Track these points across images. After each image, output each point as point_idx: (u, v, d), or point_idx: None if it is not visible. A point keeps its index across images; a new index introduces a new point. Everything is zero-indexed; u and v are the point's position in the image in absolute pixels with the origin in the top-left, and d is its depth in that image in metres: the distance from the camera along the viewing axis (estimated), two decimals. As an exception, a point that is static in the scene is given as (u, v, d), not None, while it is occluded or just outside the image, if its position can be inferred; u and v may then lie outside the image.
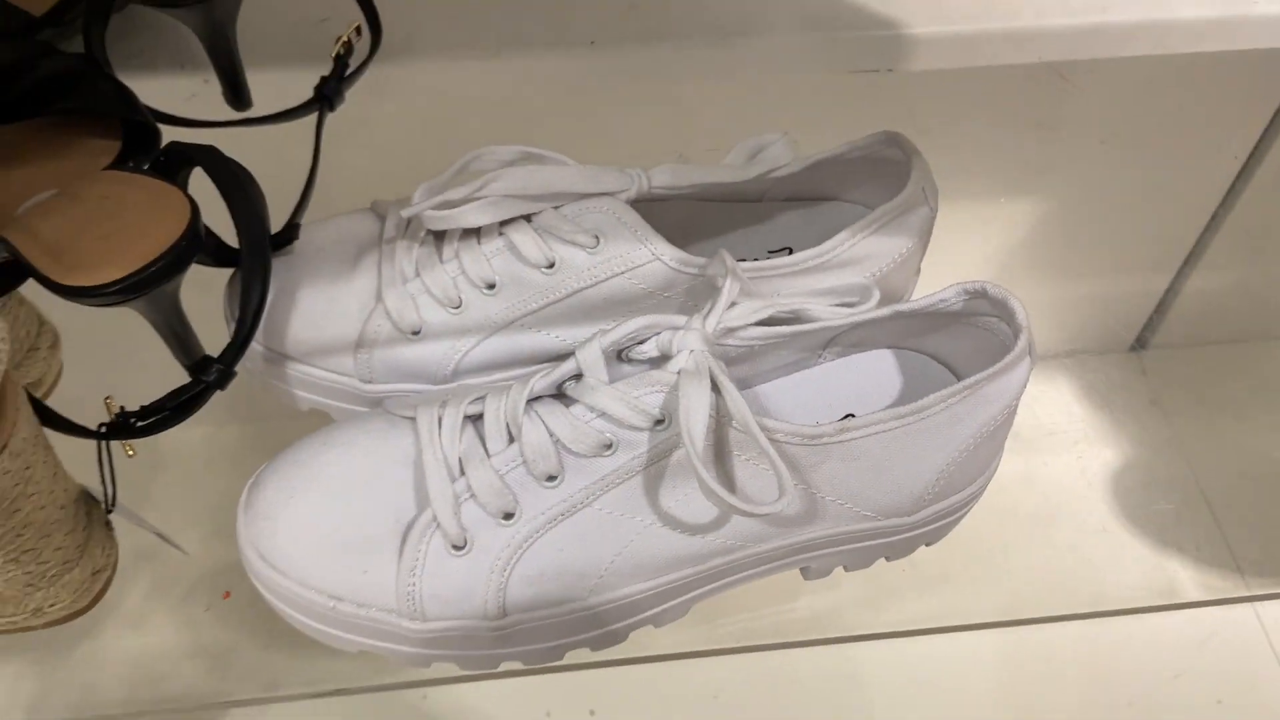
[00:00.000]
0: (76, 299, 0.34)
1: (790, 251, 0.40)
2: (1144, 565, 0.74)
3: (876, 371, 0.37)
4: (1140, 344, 0.67)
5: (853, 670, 0.73)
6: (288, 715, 0.72)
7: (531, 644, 0.34)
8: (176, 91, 0.49)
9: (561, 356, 0.35)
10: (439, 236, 0.37)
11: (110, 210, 0.36)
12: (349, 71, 0.46)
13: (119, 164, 0.40)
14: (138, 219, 0.35)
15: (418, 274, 0.36)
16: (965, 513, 0.37)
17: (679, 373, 0.31)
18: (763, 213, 0.41)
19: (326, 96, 0.45)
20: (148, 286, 0.33)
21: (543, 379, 0.32)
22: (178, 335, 0.38)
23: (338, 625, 0.33)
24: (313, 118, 0.44)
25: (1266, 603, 0.69)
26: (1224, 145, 0.63)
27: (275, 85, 0.47)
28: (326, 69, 0.45)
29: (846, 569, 0.37)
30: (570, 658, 0.36)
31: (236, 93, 0.46)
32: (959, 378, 0.36)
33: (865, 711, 0.71)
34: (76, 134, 0.41)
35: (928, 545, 0.37)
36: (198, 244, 0.34)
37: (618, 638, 0.35)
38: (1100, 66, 0.59)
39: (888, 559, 0.37)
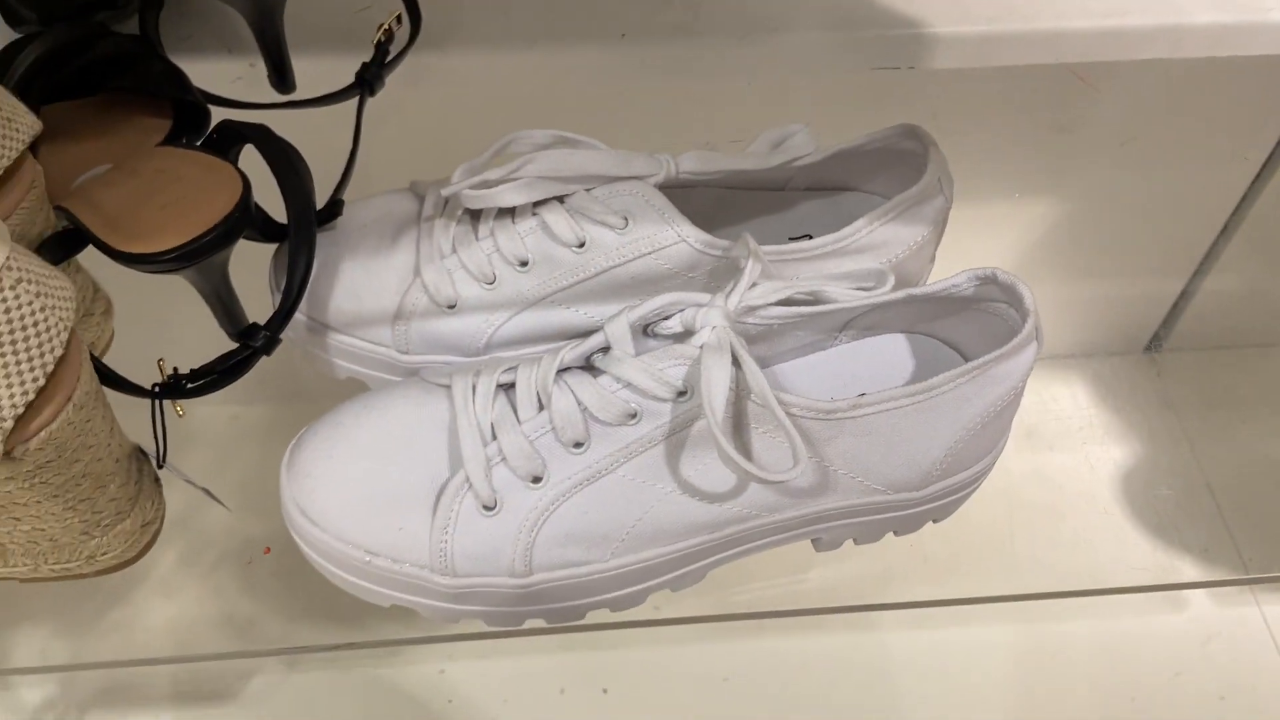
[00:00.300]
0: (134, 265, 0.36)
1: (810, 238, 0.42)
2: (1151, 561, 0.75)
3: (889, 354, 0.39)
4: (1154, 346, 0.68)
5: (859, 657, 0.75)
6: (308, 686, 0.74)
7: (555, 603, 0.36)
8: (223, 74, 0.51)
9: (589, 332, 0.37)
10: (475, 215, 0.39)
11: (166, 183, 0.38)
12: (389, 58, 0.47)
13: (171, 141, 0.42)
14: (193, 192, 0.37)
15: (454, 250, 0.38)
16: (972, 490, 0.38)
17: (701, 347, 0.33)
18: (784, 201, 0.43)
19: (367, 82, 0.46)
20: (202, 255, 0.35)
21: (572, 351, 0.34)
22: (224, 304, 0.40)
23: (372, 579, 0.35)
24: (353, 102, 0.46)
25: (1270, 604, 0.71)
26: (1240, 150, 0.64)
27: (318, 70, 0.49)
28: (367, 55, 0.47)
29: (856, 542, 0.38)
30: (590, 618, 0.38)
31: (281, 76, 0.48)
32: (968, 362, 0.38)
33: (871, 698, 0.73)
34: (130, 112, 0.43)
35: (935, 522, 0.39)
36: (248, 216, 0.36)
37: (636, 600, 0.37)
38: (1118, 70, 0.60)
39: (896, 534, 0.38)
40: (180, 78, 0.44)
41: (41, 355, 0.29)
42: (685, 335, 0.34)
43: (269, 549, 0.48)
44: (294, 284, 0.37)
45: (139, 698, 0.72)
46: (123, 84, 0.43)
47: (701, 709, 0.72)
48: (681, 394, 0.33)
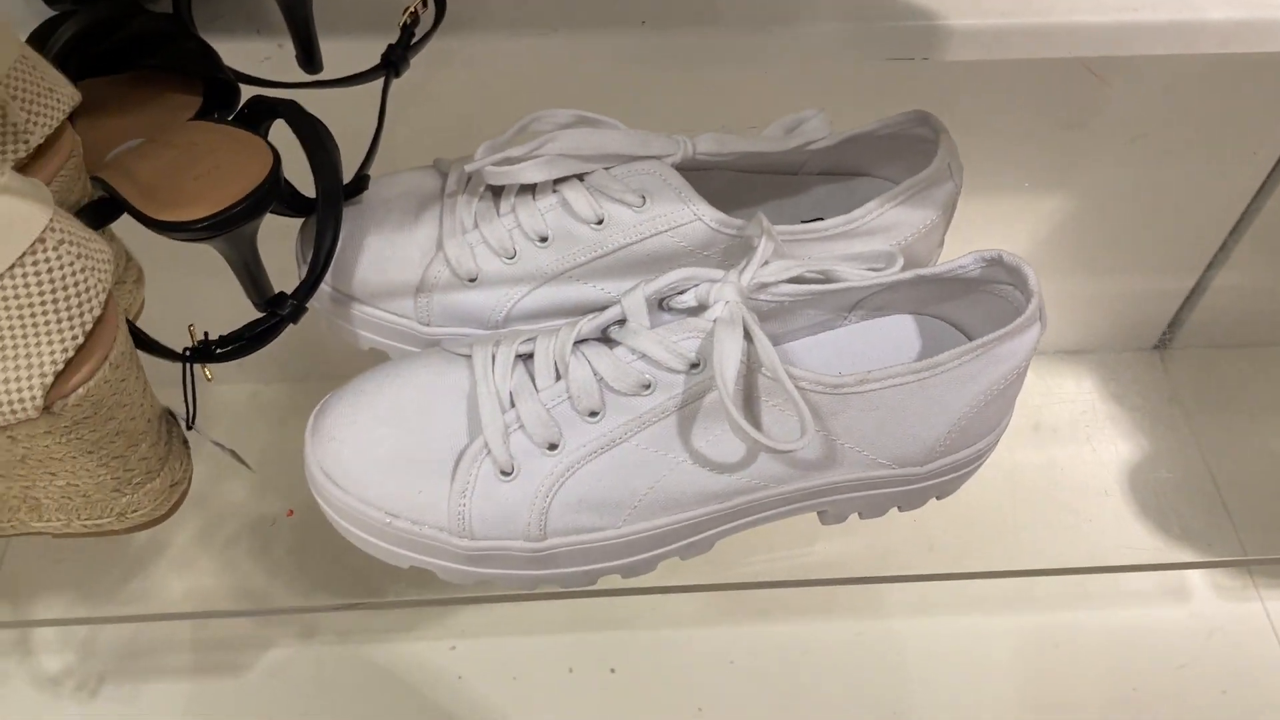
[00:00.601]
0: (168, 233, 0.37)
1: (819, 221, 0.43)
2: (1155, 556, 0.75)
3: (897, 334, 0.40)
4: (1163, 343, 0.68)
5: (862, 641, 0.76)
6: (324, 660, 0.76)
7: (568, 567, 0.37)
8: (252, 54, 0.53)
9: (605, 307, 0.38)
10: (496, 192, 0.40)
11: (200, 156, 0.39)
12: (414, 41, 0.49)
13: (202, 117, 0.43)
14: (225, 164, 0.38)
15: (476, 226, 0.39)
16: (976, 468, 0.39)
17: (715, 321, 0.34)
18: (798, 185, 0.44)
19: (392, 63, 0.48)
20: (233, 224, 0.37)
21: (590, 323, 0.35)
22: (251, 274, 0.41)
23: (393, 540, 0.36)
24: (378, 82, 0.47)
25: (1273, 599, 0.71)
26: (1252, 148, 0.65)
27: (344, 52, 0.50)
28: (392, 38, 0.48)
29: (861, 516, 0.39)
30: (602, 583, 0.39)
31: (309, 57, 0.50)
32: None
33: (874, 681, 0.74)
34: (161, 88, 0.44)
35: (939, 499, 0.40)
36: (278, 188, 0.38)
37: (647, 567, 0.38)
38: (1131, 65, 0.61)
39: (900, 509, 0.39)
40: (212, 56, 0.45)
41: (81, 315, 0.30)
42: (699, 310, 0.35)
43: (291, 511, 0.49)
44: (321, 255, 0.38)
45: (156, 668, 0.74)
46: (156, 61, 0.44)
47: (707, 689, 0.73)
48: (694, 366, 0.34)
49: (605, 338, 0.35)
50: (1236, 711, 0.69)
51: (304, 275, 0.39)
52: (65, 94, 0.35)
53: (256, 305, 0.43)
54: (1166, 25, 0.55)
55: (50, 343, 0.30)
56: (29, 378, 0.30)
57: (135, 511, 0.37)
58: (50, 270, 0.29)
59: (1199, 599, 0.73)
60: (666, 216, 0.38)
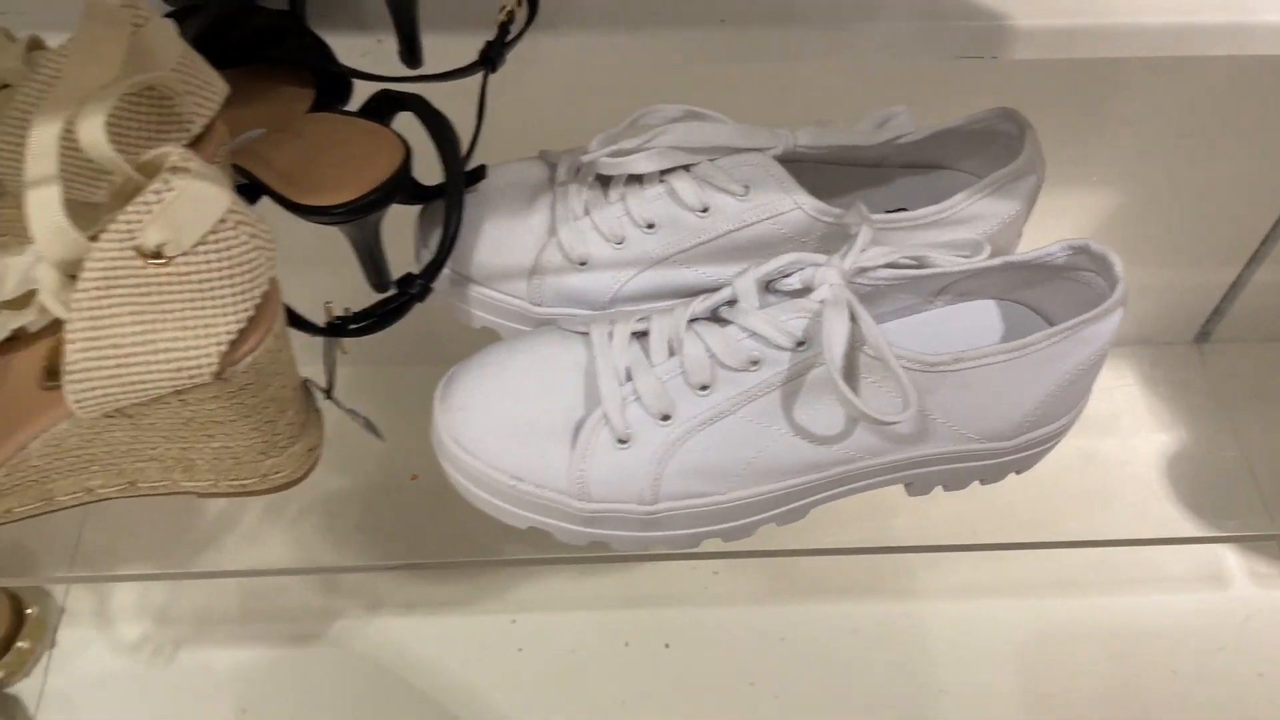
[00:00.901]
0: (309, 217, 0.40)
1: (904, 211, 0.45)
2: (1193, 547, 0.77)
3: (979, 318, 0.42)
4: (1203, 336, 0.70)
5: (908, 623, 0.78)
6: (389, 631, 0.79)
7: (675, 530, 0.39)
8: (352, 49, 0.55)
9: (706, 289, 0.41)
10: (605, 181, 0.43)
11: (332, 145, 0.42)
12: (510, 38, 0.51)
13: (318, 109, 0.46)
14: (359, 153, 0.41)
15: (587, 213, 0.42)
16: (1054, 444, 0.42)
17: (821, 302, 0.36)
18: (880, 177, 0.46)
19: (490, 59, 0.50)
20: (371, 209, 0.40)
21: (702, 303, 0.38)
22: (374, 256, 0.44)
23: (515, 502, 0.39)
24: (465, 77, 0.50)
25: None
26: (1296, 144, 0.67)
27: (439, 47, 0.53)
28: (484, 35, 0.50)
29: (945, 488, 0.42)
30: (704, 546, 0.41)
31: (411, 52, 0.52)
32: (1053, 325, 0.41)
33: (917, 661, 0.77)
34: (277, 82, 0.47)
35: (1018, 473, 0.42)
36: (409, 175, 0.41)
37: (745, 532, 0.40)
38: (1181, 63, 0.63)
39: (982, 482, 0.42)
40: (326, 50, 0.48)
41: (251, 289, 0.33)
42: (803, 291, 0.37)
43: (416, 476, 0.52)
44: (446, 239, 0.41)
45: (230, 636, 0.77)
46: (274, 55, 0.47)
47: (758, 665, 0.76)
48: (800, 344, 0.37)
49: (716, 317, 0.38)
50: (1274, 692, 0.72)
51: (430, 258, 0.42)
52: (219, 88, 0.38)
53: (374, 286, 0.46)
54: (1224, 27, 0.57)
55: (225, 314, 0.33)
56: (206, 345, 0.33)
57: (277, 474, 0.40)
58: (229, 248, 0.32)
59: (1237, 585, 0.75)
60: (768, 205, 0.41)
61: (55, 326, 0.38)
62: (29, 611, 0.73)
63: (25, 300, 0.37)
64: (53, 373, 0.37)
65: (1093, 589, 0.75)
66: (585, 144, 0.47)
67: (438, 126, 0.42)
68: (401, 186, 0.40)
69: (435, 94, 0.50)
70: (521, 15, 0.52)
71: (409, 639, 0.75)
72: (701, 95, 0.61)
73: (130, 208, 0.31)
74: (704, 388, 0.37)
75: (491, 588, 0.78)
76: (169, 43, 0.36)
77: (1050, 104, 0.66)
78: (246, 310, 0.33)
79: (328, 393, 0.40)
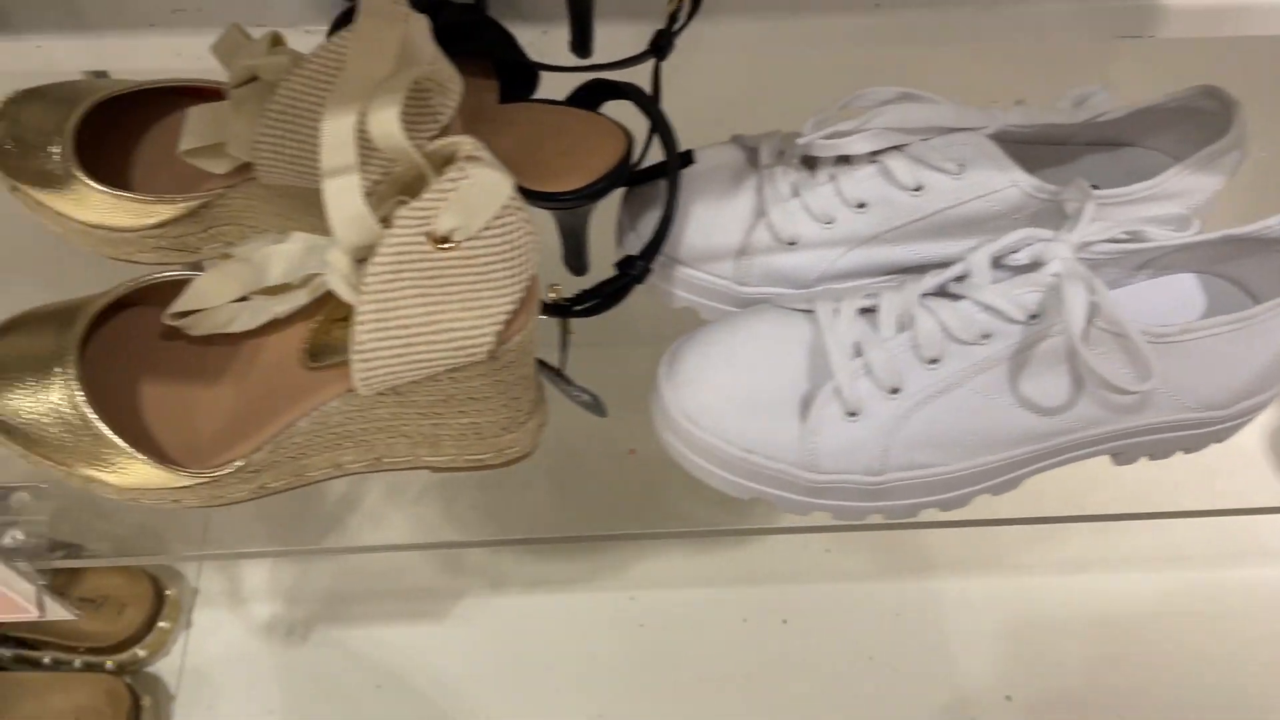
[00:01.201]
0: (539, 204, 0.42)
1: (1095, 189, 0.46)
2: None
3: (1182, 291, 0.43)
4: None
5: (1018, 598, 0.79)
6: (513, 609, 0.81)
7: (897, 500, 0.41)
8: (519, 40, 0.57)
9: (912, 268, 0.43)
10: (810, 163, 0.44)
11: (551, 134, 0.44)
12: (678, 27, 0.53)
13: (506, 99, 0.48)
14: (582, 141, 0.43)
15: (796, 194, 0.43)
16: (1257, 414, 0.43)
17: (1055, 276, 0.37)
18: (1067, 154, 0.47)
19: (661, 47, 0.52)
20: (599, 195, 0.41)
21: (933, 278, 0.39)
22: (579, 240, 0.46)
23: (745, 474, 0.40)
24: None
25: None
26: None
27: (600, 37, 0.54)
28: (646, 24, 0.51)
29: (1150, 458, 0.43)
30: (922, 516, 0.43)
31: (583, 43, 0.53)
32: (1254, 300, 0.42)
33: (1029, 636, 0.77)
34: (464, 74, 0.48)
35: (1217, 442, 0.43)
36: (630, 162, 0.42)
37: (963, 501, 0.42)
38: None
39: (1185, 451, 0.43)
40: (513, 42, 0.50)
41: (523, 272, 0.35)
42: (1032, 267, 0.39)
43: (634, 450, 0.54)
44: (665, 221, 0.42)
45: (355, 615, 0.79)
46: (467, 49, 0.49)
47: (876, 640, 0.77)
48: (1033, 317, 0.38)
49: (945, 292, 0.39)
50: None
51: (638, 240, 0.44)
52: (459, 83, 0.40)
53: (573, 269, 0.48)
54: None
55: (502, 295, 0.35)
56: (485, 325, 0.35)
57: (512, 448, 0.42)
58: (509, 232, 0.34)
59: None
60: (983, 183, 0.42)
61: (309, 310, 0.40)
62: (168, 593, 0.76)
63: (283, 287, 0.39)
64: (315, 353, 0.39)
65: (1201, 562, 0.76)
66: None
67: (657, 114, 0.43)
68: (626, 171, 0.41)
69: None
70: (687, 3, 0.53)
71: (532, 616, 0.77)
72: (851, 80, 0.62)
73: (427, 195, 0.32)
74: (933, 361, 0.39)
75: (609, 565, 0.80)
76: (425, 38, 0.38)
77: (1217, 78, 0.66)
78: (519, 292, 0.35)
79: (558, 371, 0.42)
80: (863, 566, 0.81)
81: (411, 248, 0.33)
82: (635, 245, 0.45)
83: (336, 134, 0.32)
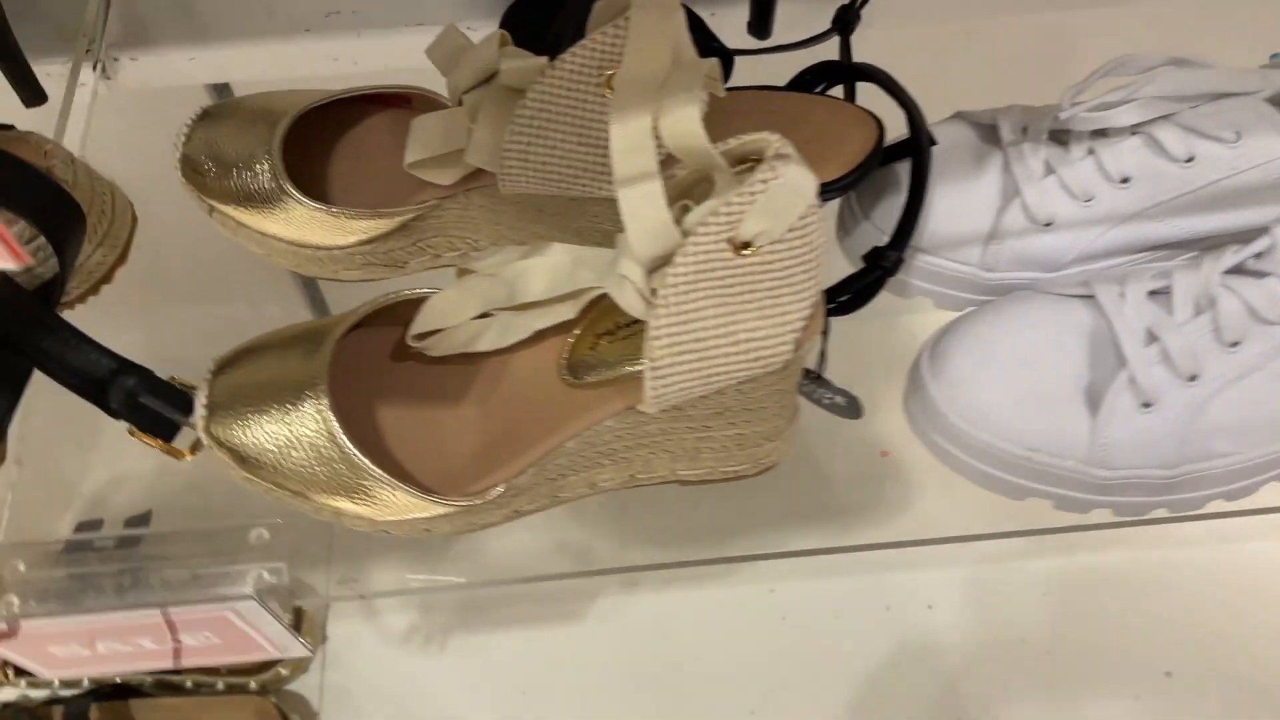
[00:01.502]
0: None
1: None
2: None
3: None
4: None
5: (1166, 574, 0.76)
6: (652, 607, 0.79)
7: (1185, 493, 0.38)
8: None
9: (1173, 245, 0.40)
10: (1058, 138, 0.41)
11: (793, 123, 0.41)
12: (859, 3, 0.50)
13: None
14: (828, 130, 0.40)
15: (1050, 171, 0.41)
16: None
17: (1379, 247, 0.35)
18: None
19: (847, 22, 0.49)
20: (855, 184, 0.39)
21: (1234, 255, 0.36)
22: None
23: (1024, 474, 0.38)
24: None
25: None
26: None
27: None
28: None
29: None
30: (1209, 508, 0.40)
31: (763, 24, 0.51)
32: None
33: (1175, 610, 0.74)
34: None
35: None
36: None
37: (1249, 491, 0.39)
38: None
39: None
40: (705, 27, 0.47)
41: (817, 277, 0.33)
42: (1338, 239, 0.36)
43: (885, 451, 0.52)
44: (913, 207, 0.40)
45: (490, 621, 0.78)
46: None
47: (1027, 621, 0.75)
48: (1344, 293, 0.35)
49: (1245, 269, 0.37)
50: None
51: (873, 231, 0.41)
52: (719, 78, 0.37)
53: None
54: None
55: (799, 301, 0.32)
56: (783, 334, 0.33)
57: (767, 458, 0.39)
58: (808, 235, 0.31)
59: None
60: (1263, 150, 0.39)
61: (561, 325, 0.38)
62: (304, 608, 0.75)
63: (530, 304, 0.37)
64: (574, 369, 0.37)
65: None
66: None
67: (903, 95, 0.40)
68: (878, 157, 0.39)
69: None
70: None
71: (671, 614, 0.76)
72: (1019, 50, 0.59)
73: (734, 198, 0.30)
74: (1234, 344, 0.36)
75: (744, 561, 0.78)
76: (685, 29, 0.35)
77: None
78: (814, 297, 0.33)
79: (818, 375, 0.39)
80: (1011, 548, 0.79)
81: (713, 255, 0.31)
82: (867, 236, 0.42)
83: (631, 138, 0.30)
